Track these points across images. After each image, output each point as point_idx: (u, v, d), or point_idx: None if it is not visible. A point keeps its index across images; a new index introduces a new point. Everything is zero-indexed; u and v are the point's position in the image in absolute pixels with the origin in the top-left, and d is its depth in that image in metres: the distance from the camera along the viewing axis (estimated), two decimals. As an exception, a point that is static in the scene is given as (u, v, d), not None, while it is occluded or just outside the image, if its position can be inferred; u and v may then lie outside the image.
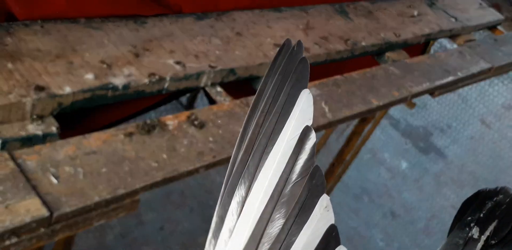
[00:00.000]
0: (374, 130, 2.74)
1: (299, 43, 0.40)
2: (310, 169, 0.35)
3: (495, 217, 0.41)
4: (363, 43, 1.46)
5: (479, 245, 0.41)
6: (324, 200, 0.35)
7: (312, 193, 0.35)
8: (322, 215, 0.35)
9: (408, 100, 1.38)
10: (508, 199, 0.42)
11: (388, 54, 1.55)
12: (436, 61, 1.57)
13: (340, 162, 2.69)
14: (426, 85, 1.42)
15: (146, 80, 0.95)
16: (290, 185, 0.35)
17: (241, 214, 0.35)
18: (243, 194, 0.36)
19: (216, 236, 0.36)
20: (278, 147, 0.35)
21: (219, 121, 0.96)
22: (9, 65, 0.84)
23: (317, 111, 1.13)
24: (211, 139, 0.92)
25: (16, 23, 0.93)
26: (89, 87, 0.88)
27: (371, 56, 1.56)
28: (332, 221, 0.35)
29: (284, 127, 0.35)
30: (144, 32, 1.08)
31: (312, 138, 0.35)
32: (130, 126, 0.86)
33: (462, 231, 0.42)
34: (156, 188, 0.80)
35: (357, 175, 3.60)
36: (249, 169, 0.35)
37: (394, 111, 4.41)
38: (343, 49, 1.39)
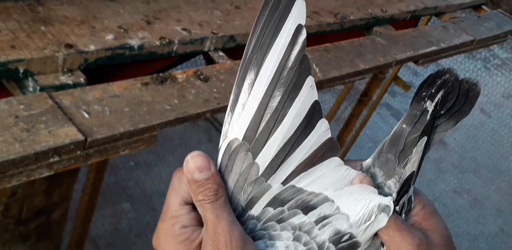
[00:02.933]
0: (372, 113, 2.87)
1: None
2: (300, 57, 0.46)
3: (443, 90, 0.52)
4: (352, 17, 1.60)
5: (430, 112, 0.51)
6: (309, 81, 0.47)
7: (301, 75, 0.46)
8: (308, 93, 0.47)
9: (393, 66, 1.52)
10: (453, 77, 0.52)
11: (376, 28, 1.70)
12: (420, 34, 1.71)
13: (341, 144, 2.83)
14: (410, 53, 1.56)
15: (157, 43, 1.11)
16: (287, 70, 0.46)
17: (251, 92, 0.47)
18: (253, 77, 0.47)
19: (232, 109, 0.48)
20: (278, 41, 0.47)
21: (222, 76, 1.11)
22: (42, 28, 1.00)
23: (309, 72, 1.27)
24: (215, 90, 1.07)
25: (45, -4, 1.09)
26: (109, 46, 1.03)
27: (360, 31, 1.71)
28: (316, 98, 0.47)
29: (283, 26, 0.47)
30: (154, 4, 1.23)
31: (303, 34, 0.47)
32: (146, 78, 1.01)
33: (418, 104, 0.52)
34: (169, 126, 0.96)
35: (359, 163, 3.74)
36: (257, 58, 0.47)
37: (395, 102, 4.55)
38: (333, 22, 1.54)
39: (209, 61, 1.25)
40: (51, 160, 0.80)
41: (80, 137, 0.82)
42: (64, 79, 0.96)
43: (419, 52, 1.59)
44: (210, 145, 3.35)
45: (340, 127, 2.81)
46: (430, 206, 0.54)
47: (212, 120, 3.39)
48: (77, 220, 2.05)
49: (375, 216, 0.48)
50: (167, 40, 1.12)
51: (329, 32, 1.55)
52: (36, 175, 0.80)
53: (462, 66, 4.82)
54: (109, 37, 1.05)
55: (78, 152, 0.83)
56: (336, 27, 1.56)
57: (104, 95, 0.93)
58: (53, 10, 1.06)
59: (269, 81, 0.47)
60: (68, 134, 0.81)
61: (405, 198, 0.51)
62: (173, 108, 0.97)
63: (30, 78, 0.94)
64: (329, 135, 0.48)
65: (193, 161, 0.44)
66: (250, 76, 0.48)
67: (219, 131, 3.39)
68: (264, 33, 0.48)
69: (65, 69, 0.98)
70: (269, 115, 0.47)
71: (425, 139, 0.52)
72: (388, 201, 0.49)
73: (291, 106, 0.47)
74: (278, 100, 0.47)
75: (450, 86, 0.53)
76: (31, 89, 0.94)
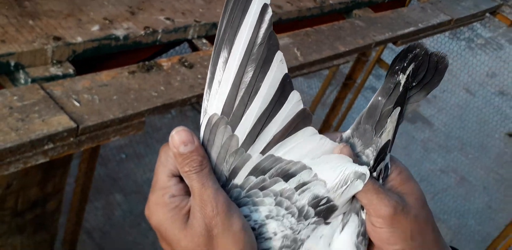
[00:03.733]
0: (357, 96, 2.91)
1: None
2: (268, 33, 0.50)
3: (414, 63, 0.56)
4: (331, 2, 1.64)
5: (402, 84, 0.56)
6: (279, 55, 0.50)
7: (270, 50, 0.50)
8: (278, 66, 0.50)
9: (372, 48, 1.57)
10: (423, 51, 0.56)
11: (355, 11, 1.74)
12: (398, 15, 1.76)
13: (327, 128, 2.88)
14: (388, 35, 1.61)
15: (142, 32, 1.14)
16: (257, 46, 0.50)
17: (225, 69, 0.51)
18: (226, 55, 0.51)
19: (210, 87, 0.52)
20: (247, 20, 0.50)
21: (205, 63, 1.15)
22: (30, 22, 1.03)
23: (290, 56, 1.32)
24: (199, 76, 1.11)
25: (30, -10, 1.12)
26: (96, 37, 1.07)
27: (340, 14, 1.75)
28: (286, 71, 0.51)
29: (250, 7, 0.50)
30: (137, -5, 1.26)
31: (269, 12, 0.50)
32: (132, 66, 1.05)
33: (392, 77, 0.57)
34: (157, 113, 1.00)
35: (347, 146, 3.80)
36: (229, 37, 0.51)
37: (380, 85, 4.60)
38: (312, 6, 1.58)
39: (194, 48, 1.29)
40: (46, 147, 0.84)
41: (72, 124, 0.86)
42: (54, 70, 1.00)
43: (397, 33, 1.64)
44: (198, 133, 3.34)
45: (327, 111, 2.87)
46: (406, 171, 0.58)
47: (199, 109, 3.43)
48: (72, 210, 2.10)
49: (351, 182, 0.53)
50: (151, 29, 1.16)
51: (309, 17, 1.59)
52: (32, 162, 0.84)
53: (446, 47, 4.88)
54: (95, 28, 1.08)
55: (71, 139, 0.87)
56: (316, 12, 1.61)
57: (92, 84, 0.97)
58: (39, 4, 1.09)
59: (241, 58, 0.50)
60: (60, 122, 0.85)
61: (382, 165, 0.56)
62: (160, 94, 1.01)
63: (21, 71, 0.97)
64: (301, 106, 0.52)
65: (178, 136, 0.48)
66: (223, 55, 0.51)
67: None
68: (233, 13, 0.51)
69: (54, 61, 1.01)
70: (243, 89, 0.50)
71: (398, 109, 0.57)
72: (364, 169, 0.53)
73: (263, 80, 0.50)
74: (251, 75, 0.50)
75: (420, 59, 0.57)
76: (22, 81, 0.98)
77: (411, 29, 1.70)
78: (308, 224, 0.54)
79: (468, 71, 5.21)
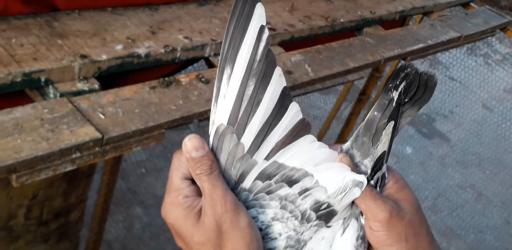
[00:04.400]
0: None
1: None
2: (266, 51, 0.57)
3: (405, 81, 0.62)
4: (342, 20, 1.72)
5: (395, 100, 0.61)
6: (278, 70, 0.57)
7: (269, 66, 0.57)
8: (277, 80, 0.57)
9: (381, 64, 1.63)
10: (414, 70, 0.62)
11: (366, 29, 1.81)
12: (408, 32, 1.82)
13: (342, 142, 2.92)
14: (397, 51, 1.67)
15: (162, 50, 1.22)
16: (256, 63, 0.57)
17: (229, 84, 0.57)
18: (229, 72, 0.57)
19: (216, 100, 0.58)
20: (246, 40, 0.57)
21: (221, 78, 1.22)
22: (59, 41, 1.12)
23: (302, 72, 1.39)
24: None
25: (60, 13, 1.21)
26: (119, 55, 1.15)
27: (351, 32, 1.82)
28: (284, 84, 0.57)
29: (249, 28, 0.57)
30: (157, 16, 1.35)
31: (266, 32, 0.57)
32: (153, 82, 1.13)
33: (386, 94, 0.62)
34: (176, 125, 1.07)
35: (363, 161, 3.81)
36: (231, 55, 0.57)
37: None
38: (324, 25, 1.65)
39: (210, 65, 1.37)
40: (74, 156, 0.92)
41: (98, 135, 0.94)
42: (81, 86, 1.08)
43: (406, 49, 1.70)
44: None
45: (342, 126, 2.91)
46: (402, 180, 0.64)
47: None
48: (94, 220, 2.17)
49: (349, 189, 0.59)
50: (170, 48, 1.24)
51: (321, 35, 1.66)
52: (61, 169, 0.92)
53: (464, 63, 4.90)
54: (119, 47, 1.16)
55: (97, 148, 0.95)
56: (327, 30, 1.68)
57: (116, 98, 1.05)
58: (67, 25, 1.18)
59: (243, 73, 0.57)
60: (87, 133, 0.93)
61: (379, 174, 0.62)
62: (179, 108, 1.09)
63: (50, 86, 1.06)
64: (301, 116, 0.58)
65: (190, 142, 0.55)
66: (227, 71, 0.57)
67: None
68: (234, 34, 0.58)
69: (81, 77, 1.10)
70: (246, 101, 0.57)
71: (392, 123, 0.63)
72: (362, 177, 0.59)
73: (264, 92, 0.56)
74: (252, 89, 0.56)
75: (411, 78, 0.63)
76: (52, 95, 1.06)
77: (420, 45, 1.76)
78: (310, 227, 0.60)
79: (486, 87, 5.21)
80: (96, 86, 1.10)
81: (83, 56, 1.11)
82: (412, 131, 4.33)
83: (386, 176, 0.63)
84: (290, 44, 1.57)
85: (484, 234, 3.73)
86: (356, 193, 0.58)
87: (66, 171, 0.92)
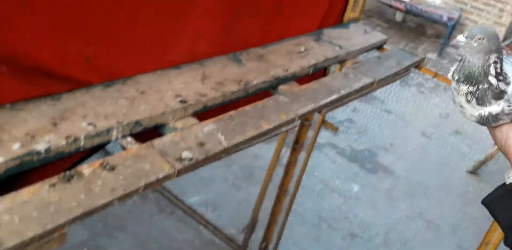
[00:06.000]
0: (309, 157, 2.91)
1: None
2: None
3: None
4: (255, 82, 1.75)
5: None
6: None
7: None
8: None
9: (295, 121, 1.66)
10: None
11: (281, 87, 1.85)
12: (321, 85, 1.87)
13: (283, 193, 2.87)
14: (311, 106, 1.71)
15: (63, 142, 1.21)
16: None
17: None
18: None
19: None
20: None
21: (128, 162, 1.22)
22: (-50, 149, 1.10)
23: (214, 141, 1.39)
24: (121, 177, 1.17)
25: (-48, 117, 1.19)
26: (17, 156, 1.13)
27: (267, 91, 1.85)
28: None
29: None
30: (60, 105, 1.35)
31: None
32: (53, 178, 1.11)
33: None
34: (78, 222, 1.05)
35: (312, 205, 3.80)
36: None
37: (338, 141, 4.70)
38: (236, 89, 1.68)
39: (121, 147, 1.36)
40: (-35, 275, 0.88)
41: (-11, 249, 0.91)
42: (-24, 193, 1.05)
43: (320, 103, 1.74)
44: (162, 215, 3.34)
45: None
46: None
47: (161, 191, 3.42)
48: None
49: None
50: (72, 138, 1.23)
51: (234, 100, 1.69)
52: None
53: (399, 95, 5.05)
54: (16, 146, 1.15)
55: (-10, 264, 0.91)
56: (241, 94, 1.71)
57: (13, 204, 1.02)
58: (-40, 129, 1.16)
59: None
60: (-23, 249, 0.90)
61: None
62: (80, 203, 1.07)
63: None
64: None
65: None
66: None
67: (170, 200, 3.41)
68: None
69: (-24, 184, 1.07)
70: None
71: None
72: None
73: None
74: None
75: None
76: None
77: (334, 96, 1.80)
78: None
79: (422, 116, 5.38)
80: (-7, 191, 1.07)
81: (-23, 162, 1.08)
82: (356, 168, 4.37)
83: None
84: (204, 114, 1.58)
85: (438, 264, 3.74)
86: None
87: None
